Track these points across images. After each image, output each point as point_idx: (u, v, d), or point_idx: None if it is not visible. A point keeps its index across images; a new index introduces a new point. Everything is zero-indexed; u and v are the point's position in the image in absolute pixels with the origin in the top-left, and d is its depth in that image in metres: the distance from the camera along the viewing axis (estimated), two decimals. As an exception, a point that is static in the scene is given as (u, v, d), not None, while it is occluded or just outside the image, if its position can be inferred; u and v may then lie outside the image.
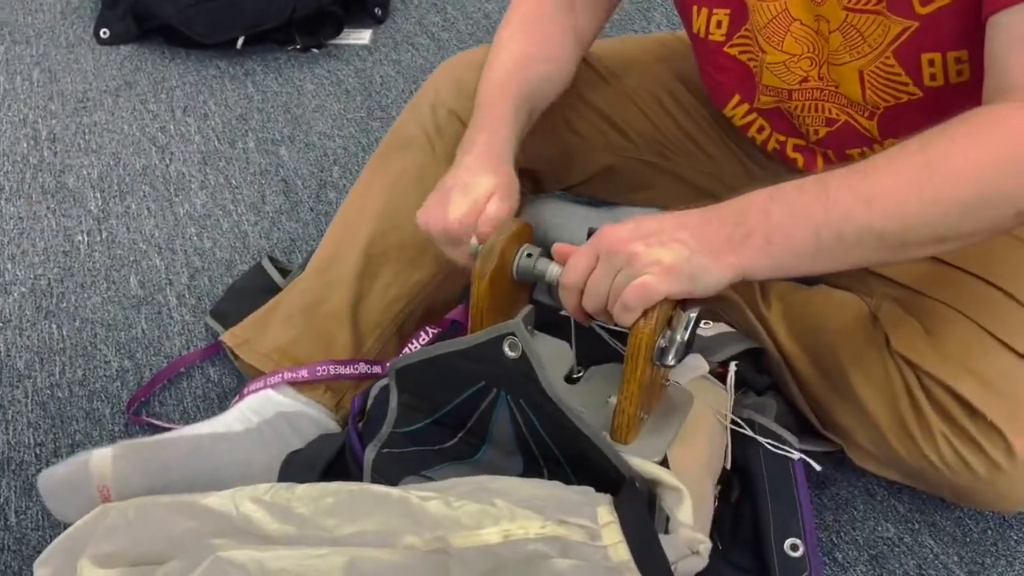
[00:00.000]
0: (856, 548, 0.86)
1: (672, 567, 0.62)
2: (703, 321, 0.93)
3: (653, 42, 1.10)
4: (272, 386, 0.90)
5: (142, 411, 1.00)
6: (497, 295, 0.74)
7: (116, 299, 1.15)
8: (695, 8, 0.87)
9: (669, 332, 0.68)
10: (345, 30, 1.68)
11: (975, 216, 0.63)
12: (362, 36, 1.69)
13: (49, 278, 1.18)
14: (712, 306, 0.98)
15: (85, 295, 1.16)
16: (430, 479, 0.71)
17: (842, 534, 0.88)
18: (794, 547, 0.78)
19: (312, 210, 1.29)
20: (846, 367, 0.85)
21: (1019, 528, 0.88)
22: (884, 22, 0.74)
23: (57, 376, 1.05)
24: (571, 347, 0.81)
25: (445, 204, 0.77)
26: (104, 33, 1.68)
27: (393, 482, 0.70)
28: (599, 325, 0.85)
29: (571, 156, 1.06)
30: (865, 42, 0.76)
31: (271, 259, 1.15)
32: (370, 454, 0.74)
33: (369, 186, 0.98)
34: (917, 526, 0.88)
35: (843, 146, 0.87)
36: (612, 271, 0.66)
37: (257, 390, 0.90)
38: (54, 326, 1.11)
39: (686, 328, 0.68)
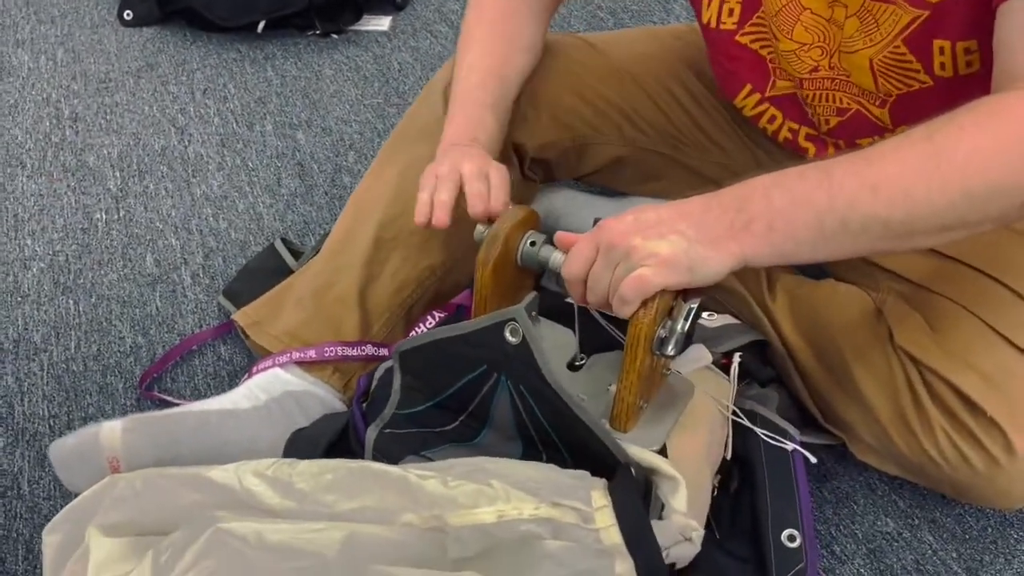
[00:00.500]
0: (855, 542, 0.87)
1: (664, 553, 0.63)
2: (707, 313, 0.93)
3: (667, 34, 1.10)
4: (280, 365, 0.91)
5: (154, 387, 1.02)
6: (501, 282, 0.75)
7: (132, 277, 1.17)
8: None
9: (669, 322, 0.68)
10: (365, 16, 1.69)
11: (982, 205, 0.62)
12: (381, 23, 1.70)
13: (67, 255, 1.20)
14: (718, 298, 0.99)
15: (102, 272, 1.18)
16: (430, 460, 0.72)
17: (841, 527, 0.88)
18: (791, 538, 0.78)
19: (327, 194, 1.31)
20: (849, 361, 0.85)
21: (1020, 526, 0.88)
22: (896, 10, 0.74)
23: (72, 350, 1.07)
24: (575, 335, 0.81)
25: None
26: (127, 15, 1.70)
27: (393, 461, 0.71)
28: (602, 314, 0.86)
29: (583, 147, 1.06)
30: (878, 29, 0.76)
31: (284, 241, 1.16)
32: (371, 434, 0.75)
33: (381, 172, 0.99)
34: (917, 522, 0.88)
35: (854, 136, 0.87)
36: (611, 264, 0.66)
37: (265, 369, 0.91)
38: (71, 302, 1.13)
39: (686, 319, 0.68)
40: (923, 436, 0.79)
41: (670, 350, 0.68)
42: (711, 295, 1.00)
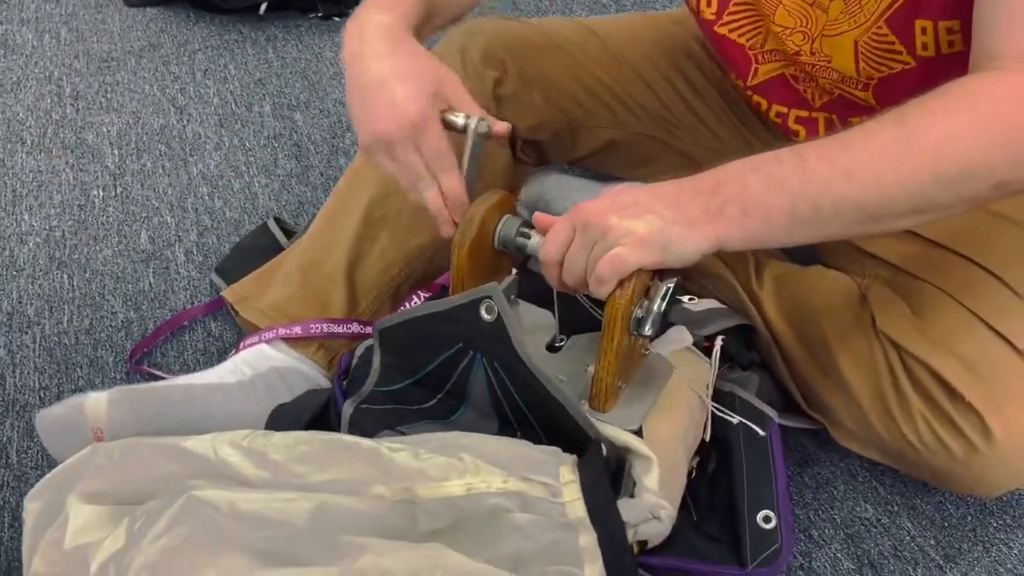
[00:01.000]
0: (833, 526, 0.87)
1: (633, 530, 0.63)
2: (690, 296, 0.94)
3: (666, 20, 1.10)
4: (267, 341, 0.92)
5: (144, 361, 1.03)
6: (478, 264, 0.75)
7: (126, 253, 1.18)
8: None
9: (646, 302, 0.68)
10: (367, -1, 1.69)
11: (953, 187, 0.62)
12: (383, 5, 1.70)
13: (64, 230, 1.21)
14: (705, 284, 0.99)
15: (97, 248, 1.19)
16: (404, 435, 0.73)
17: (820, 512, 0.88)
18: (767, 519, 0.78)
19: (322, 175, 1.31)
20: (832, 345, 0.85)
21: (1000, 515, 0.88)
22: None
23: (65, 324, 1.08)
24: (555, 317, 0.82)
25: (389, 99, 0.70)
26: (131, -6, 1.71)
27: (369, 436, 0.72)
28: (583, 296, 0.86)
29: (576, 129, 1.07)
30: (862, 11, 0.76)
31: (277, 220, 1.17)
32: (347, 409, 0.76)
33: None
34: (896, 508, 0.88)
35: (844, 113, 0.87)
36: (588, 244, 0.67)
37: (252, 344, 0.92)
38: (65, 276, 1.14)
39: (663, 299, 0.68)
40: (902, 421, 0.79)
41: (647, 330, 0.69)
42: (699, 281, 1.00)
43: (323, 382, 0.92)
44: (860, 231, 0.65)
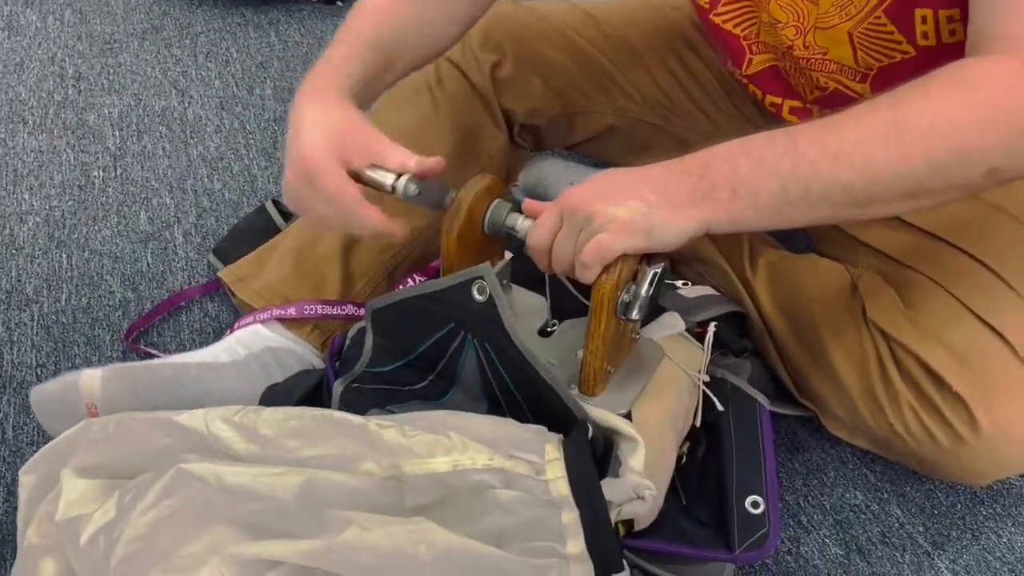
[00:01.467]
0: (822, 512, 0.87)
1: (617, 509, 0.64)
2: (683, 282, 0.94)
3: (664, 5, 1.10)
4: (262, 322, 0.93)
5: (140, 340, 1.03)
6: (468, 249, 0.74)
7: (125, 233, 1.18)
8: None
9: (633, 287, 0.68)
10: (370, -16, 1.69)
11: (945, 172, 0.61)
12: (386, -10, 1.70)
13: (63, 210, 1.22)
14: (699, 270, 0.99)
15: (96, 228, 1.19)
16: (393, 413, 0.73)
17: (810, 499, 0.89)
18: (755, 504, 0.79)
19: (322, 158, 1.31)
20: (823, 334, 0.86)
21: (990, 504, 0.88)
22: None
23: (63, 303, 1.09)
24: (547, 301, 0.82)
25: (291, 153, 0.71)
26: (135, -23, 1.71)
27: (359, 413, 0.72)
28: (572, 281, 0.86)
29: (573, 114, 1.07)
30: (852, 3, 0.75)
31: (275, 202, 1.17)
32: (338, 388, 0.76)
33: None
34: (886, 495, 0.89)
35: (838, 108, 0.87)
36: (575, 230, 0.67)
37: (247, 324, 0.93)
38: (64, 255, 1.15)
39: (651, 283, 0.68)
40: (890, 411, 0.79)
41: (635, 315, 0.69)
42: (693, 267, 1.00)
43: (317, 363, 0.93)
44: (849, 215, 0.65)
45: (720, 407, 0.82)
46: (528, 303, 0.83)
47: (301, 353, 0.92)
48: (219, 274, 1.01)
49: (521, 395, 0.72)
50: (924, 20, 0.74)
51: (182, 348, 1.03)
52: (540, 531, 0.58)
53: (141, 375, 0.85)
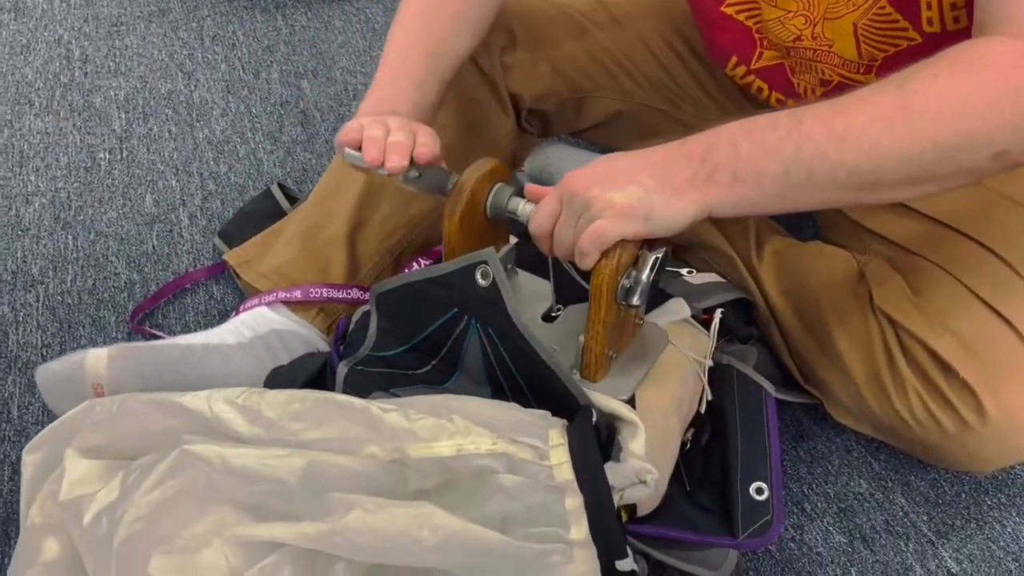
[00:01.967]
0: (826, 500, 0.87)
1: (619, 494, 0.64)
2: (689, 269, 0.93)
3: (671, -11, 1.09)
4: (267, 304, 0.93)
5: (146, 322, 1.04)
6: (470, 233, 0.74)
7: (131, 215, 1.18)
8: None
9: (634, 272, 0.68)
10: (377, -33, 1.68)
11: (951, 156, 0.60)
12: (394, -26, 1.69)
13: (69, 192, 1.22)
14: (705, 258, 0.99)
15: (102, 210, 1.19)
16: (397, 396, 0.73)
17: (814, 486, 0.88)
18: (759, 491, 0.78)
19: (327, 142, 1.31)
20: (829, 321, 0.85)
21: (994, 494, 0.88)
22: None
23: (68, 284, 1.09)
24: (551, 286, 0.82)
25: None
26: (141, -41, 1.70)
27: (362, 396, 0.72)
28: (573, 266, 0.86)
29: (581, 100, 1.06)
30: None
31: (280, 186, 1.17)
32: (342, 370, 0.76)
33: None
34: (890, 484, 0.89)
35: None
36: (575, 216, 0.66)
37: (253, 307, 0.93)
38: (70, 237, 1.15)
39: (652, 269, 0.68)
40: (896, 397, 0.79)
41: (635, 300, 0.68)
42: (699, 254, 1.00)
43: (322, 346, 0.93)
44: (854, 199, 0.64)
45: (711, 396, 0.81)
46: (533, 288, 0.82)
47: (306, 336, 0.92)
48: (225, 256, 1.01)
49: (524, 380, 0.72)
50: (929, 6, 0.74)
51: (187, 330, 1.03)
52: (543, 516, 0.58)
53: (147, 355, 0.85)
